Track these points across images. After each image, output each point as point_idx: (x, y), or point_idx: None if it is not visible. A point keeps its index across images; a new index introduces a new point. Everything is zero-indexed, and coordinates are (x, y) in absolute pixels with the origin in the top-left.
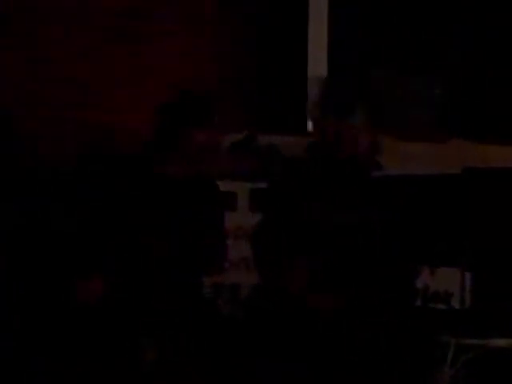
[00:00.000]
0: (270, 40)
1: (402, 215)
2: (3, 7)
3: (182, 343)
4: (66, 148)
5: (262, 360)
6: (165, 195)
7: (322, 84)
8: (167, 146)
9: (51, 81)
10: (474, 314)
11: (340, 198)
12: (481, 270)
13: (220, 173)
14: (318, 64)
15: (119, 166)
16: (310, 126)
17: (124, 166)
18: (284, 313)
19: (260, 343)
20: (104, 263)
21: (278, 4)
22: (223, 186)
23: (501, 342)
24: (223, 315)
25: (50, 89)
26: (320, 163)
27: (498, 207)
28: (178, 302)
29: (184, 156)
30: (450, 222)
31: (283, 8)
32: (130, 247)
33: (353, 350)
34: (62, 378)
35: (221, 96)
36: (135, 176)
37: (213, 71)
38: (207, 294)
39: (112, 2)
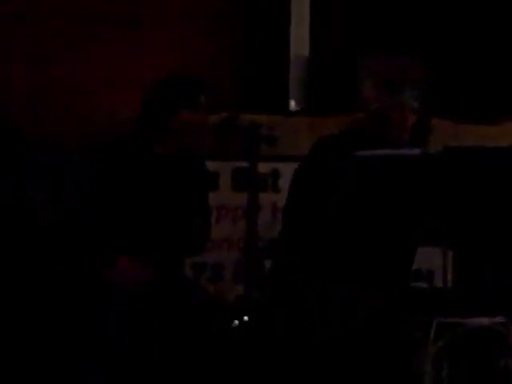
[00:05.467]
0: (253, 19)
1: (383, 195)
2: None
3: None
4: (67, 132)
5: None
6: (152, 173)
7: (305, 64)
8: (156, 125)
9: (49, 67)
10: (456, 293)
11: None
12: (463, 248)
13: (202, 152)
14: (300, 43)
15: (115, 147)
16: (292, 105)
17: (120, 146)
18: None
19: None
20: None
21: None
22: (206, 165)
23: (483, 321)
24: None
25: (48, 75)
26: (362, 146)
27: (479, 186)
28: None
29: (171, 136)
30: (432, 201)
31: None
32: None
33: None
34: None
35: (204, 76)
36: (129, 156)
37: (198, 53)
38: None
39: None
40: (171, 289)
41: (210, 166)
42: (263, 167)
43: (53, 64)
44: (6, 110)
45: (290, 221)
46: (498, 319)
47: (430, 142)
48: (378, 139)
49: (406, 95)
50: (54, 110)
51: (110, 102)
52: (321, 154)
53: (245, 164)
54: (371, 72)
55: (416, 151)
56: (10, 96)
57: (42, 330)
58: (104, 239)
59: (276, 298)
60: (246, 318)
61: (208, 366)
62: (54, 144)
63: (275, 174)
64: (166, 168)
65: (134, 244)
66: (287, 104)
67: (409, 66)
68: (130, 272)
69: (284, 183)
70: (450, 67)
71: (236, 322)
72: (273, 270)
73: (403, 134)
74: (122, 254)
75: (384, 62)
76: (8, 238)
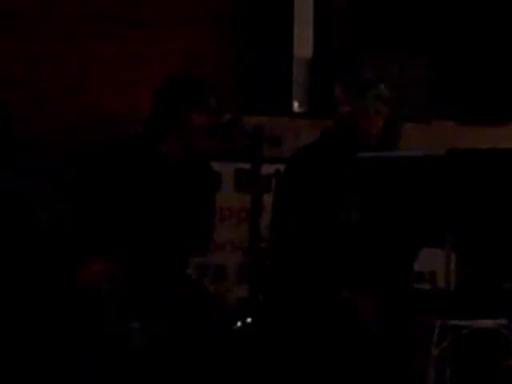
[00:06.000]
0: (256, 21)
1: (386, 196)
2: None
3: (170, 329)
4: (65, 133)
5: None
6: (161, 175)
7: (308, 65)
8: (165, 128)
9: (49, 66)
10: (459, 295)
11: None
12: (466, 250)
13: (205, 154)
14: (303, 45)
15: (120, 148)
16: (295, 106)
17: (125, 147)
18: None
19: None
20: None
21: None
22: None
23: (486, 323)
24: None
25: (48, 74)
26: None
27: (482, 188)
28: (166, 283)
29: (175, 136)
30: (435, 202)
31: None
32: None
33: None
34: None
35: (207, 78)
36: (136, 156)
37: (201, 54)
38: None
39: None
40: (175, 290)
41: (213, 167)
42: (266, 169)
43: (53, 63)
44: (6, 110)
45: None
46: (501, 321)
47: (400, 147)
48: (349, 146)
49: (375, 99)
50: (53, 110)
51: (110, 102)
52: (299, 169)
53: (248, 165)
54: (345, 73)
55: (419, 152)
56: (10, 95)
57: (41, 329)
58: (105, 240)
59: (278, 301)
60: (249, 319)
61: (210, 367)
62: (53, 143)
63: (278, 176)
64: (174, 169)
65: (139, 245)
66: (290, 106)
67: (381, 68)
68: (102, 272)
69: None
70: (454, 68)
71: (239, 323)
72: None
73: (369, 140)
74: (101, 255)
75: (354, 65)
76: (6, 239)
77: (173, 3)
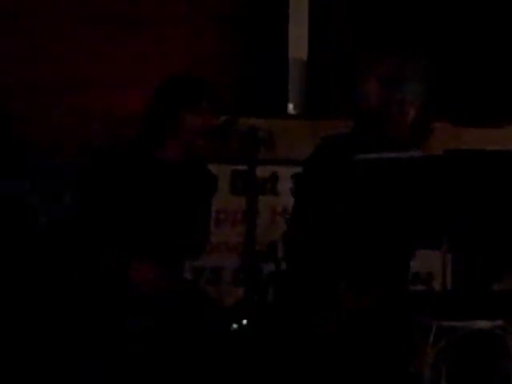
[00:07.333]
0: (251, 22)
1: (382, 198)
2: None
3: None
4: (67, 132)
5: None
6: (158, 176)
7: (303, 67)
8: (163, 130)
9: (49, 66)
10: (455, 296)
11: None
12: (462, 251)
13: (201, 155)
14: (298, 46)
15: (119, 152)
16: (290, 108)
17: (124, 150)
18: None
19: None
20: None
21: None
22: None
23: (483, 324)
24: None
25: (49, 74)
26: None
27: (480, 190)
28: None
29: (178, 140)
30: (432, 203)
31: None
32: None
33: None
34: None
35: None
36: (134, 160)
37: (196, 56)
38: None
39: None
40: (172, 291)
41: (210, 169)
42: (262, 171)
43: (53, 63)
44: (6, 110)
45: (300, 224)
46: (497, 322)
47: (431, 143)
48: (379, 138)
49: (407, 92)
50: (53, 110)
51: (110, 102)
52: (324, 157)
53: (243, 167)
54: (371, 69)
55: (418, 153)
56: (9, 95)
57: (41, 329)
58: (104, 241)
59: (282, 300)
60: (244, 321)
61: (206, 368)
62: (53, 143)
63: (274, 178)
64: (172, 171)
65: (135, 246)
66: (286, 107)
67: (410, 63)
68: (145, 272)
69: (283, 187)
70: (453, 70)
71: (235, 325)
72: (286, 273)
73: (403, 130)
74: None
75: (385, 58)
76: (7, 239)
77: (173, 3)
